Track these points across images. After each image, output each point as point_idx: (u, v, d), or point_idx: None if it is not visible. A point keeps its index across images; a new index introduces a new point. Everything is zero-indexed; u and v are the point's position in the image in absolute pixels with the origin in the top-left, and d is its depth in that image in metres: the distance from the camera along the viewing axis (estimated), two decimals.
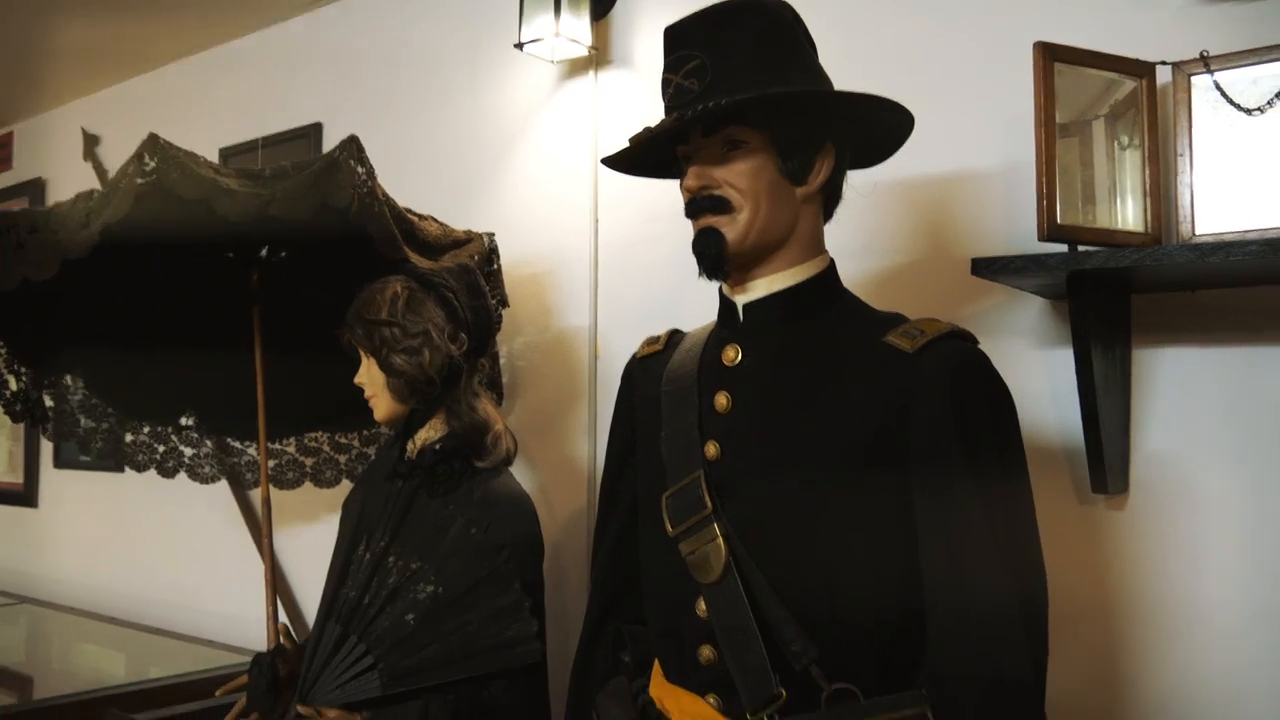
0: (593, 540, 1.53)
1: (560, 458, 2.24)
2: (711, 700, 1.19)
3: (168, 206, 1.71)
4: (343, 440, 2.43)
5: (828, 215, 1.30)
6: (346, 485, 2.38)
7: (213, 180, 1.70)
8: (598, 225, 2.21)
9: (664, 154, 1.28)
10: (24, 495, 3.73)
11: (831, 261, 1.27)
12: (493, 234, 2.13)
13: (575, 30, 2.12)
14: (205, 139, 2.93)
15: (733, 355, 1.25)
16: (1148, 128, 1.47)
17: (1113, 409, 1.49)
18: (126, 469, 2.49)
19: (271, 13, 2.88)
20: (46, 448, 3.65)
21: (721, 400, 1.24)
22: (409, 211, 1.91)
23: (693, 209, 1.23)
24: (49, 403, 2.28)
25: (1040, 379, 1.61)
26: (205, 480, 2.48)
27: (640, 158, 1.31)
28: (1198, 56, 1.42)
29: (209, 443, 2.48)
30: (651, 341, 1.42)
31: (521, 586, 1.57)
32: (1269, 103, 1.37)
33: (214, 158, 2.94)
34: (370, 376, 1.69)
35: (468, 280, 1.73)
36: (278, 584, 2.55)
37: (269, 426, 2.21)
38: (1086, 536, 1.57)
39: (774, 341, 1.24)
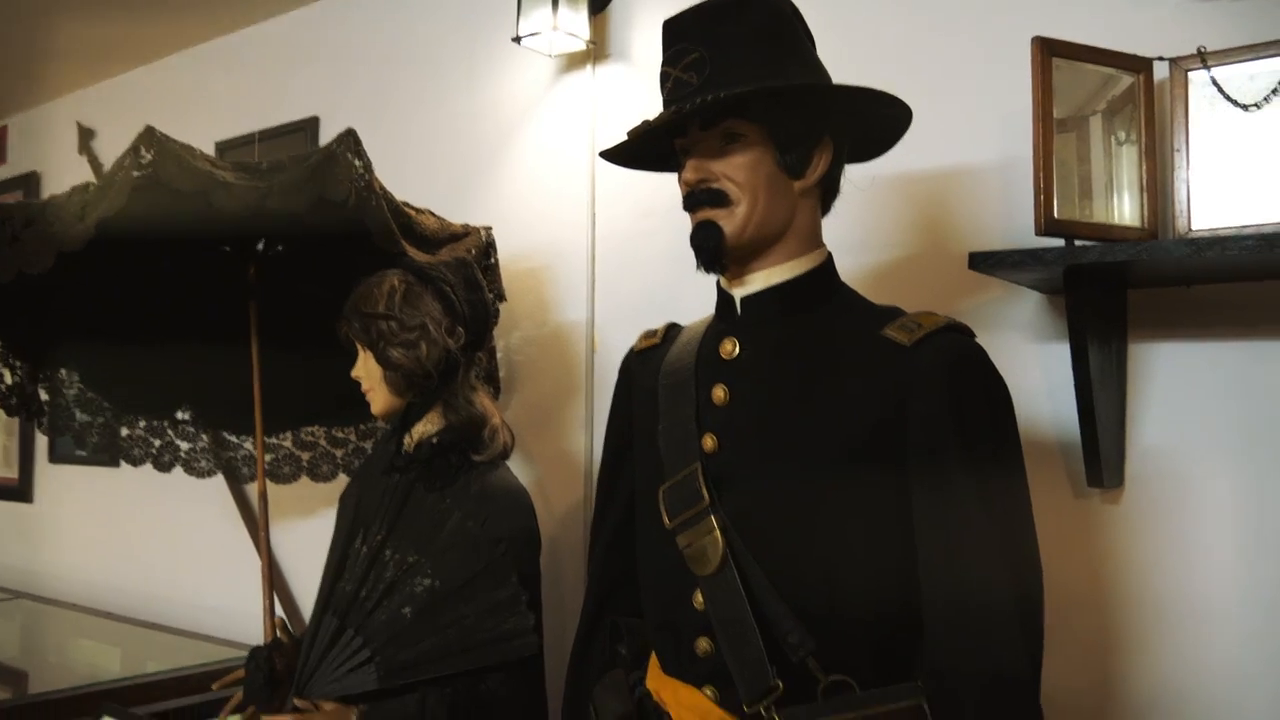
0: (589, 534, 1.53)
1: (557, 452, 2.24)
2: (708, 692, 1.19)
3: (164, 200, 1.70)
4: (339, 434, 2.42)
5: (825, 209, 1.30)
6: (343, 480, 2.38)
7: (209, 173, 1.69)
8: (595, 220, 2.21)
9: (662, 147, 1.28)
10: (19, 490, 3.72)
11: (829, 255, 1.28)
12: (490, 228, 2.13)
13: (573, 24, 2.12)
14: (201, 133, 2.92)
15: (730, 348, 1.25)
16: (1145, 123, 1.47)
17: (1108, 403, 1.50)
18: (122, 463, 2.49)
19: (268, 7, 2.88)
20: (42, 443, 3.64)
21: (719, 393, 1.24)
22: (406, 205, 1.91)
23: (691, 202, 1.23)
24: (44, 397, 2.27)
25: (1036, 373, 1.61)
26: (201, 475, 2.48)
27: (639, 151, 1.31)
28: (1195, 52, 1.42)
29: (205, 437, 2.47)
30: (649, 335, 1.43)
31: (519, 580, 1.57)
32: (1265, 98, 1.37)
33: (210, 152, 2.92)
34: (367, 370, 1.69)
35: (465, 274, 1.72)
36: (274, 578, 2.55)
37: (265, 421, 2.21)
38: (1082, 530, 1.57)
39: (772, 335, 1.24)
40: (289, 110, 2.85)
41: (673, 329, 1.41)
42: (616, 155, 1.34)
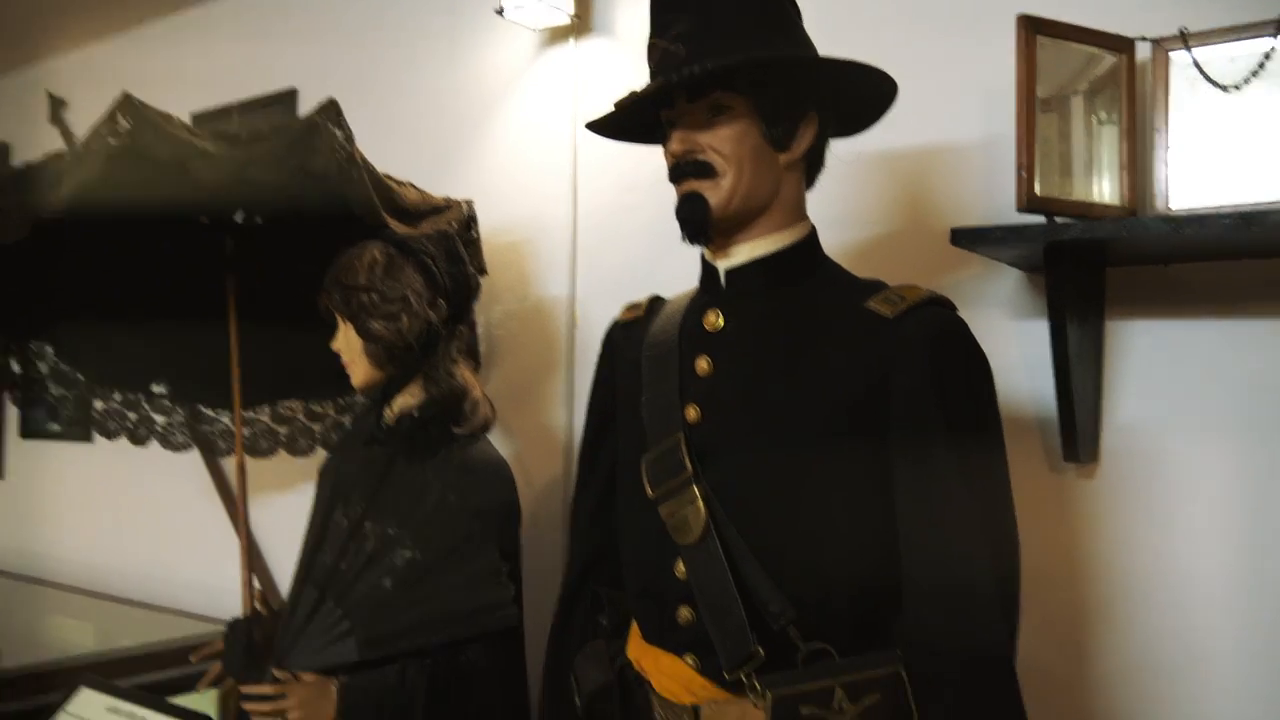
0: (571, 505, 1.54)
1: (537, 426, 2.24)
2: (689, 660, 1.20)
3: (141, 169, 1.67)
4: (317, 409, 2.41)
5: (810, 183, 1.31)
6: (321, 455, 2.36)
7: (188, 142, 1.67)
8: (577, 194, 2.20)
9: (648, 119, 1.27)
10: None
11: (813, 228, 1.28)
12: (471, 201, 2.11)
13: None
14: (177, 103, 2.84)
15: (714, 320, 1.26)
16: (1126, 103, 1.48)
17: (1085, 379, 1.52)
18: (96, 439, 2.46)
19: None
20: (13, 418, 3.59)
21: (703, 364, 1.24)
22: (388, 177, 1.89)
23: (676, 174, 1.23)
24: (16, 369, 2.24)
25: (1015, 349, 1.63)
26: (177, 448, 2.45)
27: (624, 122, 1.31)
28: (1177, 33, 1.43)
29: (181, 411, 2.45)
30: (633, 307, 1.43)
31: (499, 552, 1.58)
32: (1245, 80, 1.38)
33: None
34: (347, 342, 1.68)
35: (447, 246, 1.72)
36: (252, 553, 2.53)
37: (243, 394, 2.19)
38: (1057, 504, 1.59)
39: (755, 307, 1.24)
40: (267, 81, 2.81)
41: (656, 301, 1.41)
42: (602, 126, 1.33)
